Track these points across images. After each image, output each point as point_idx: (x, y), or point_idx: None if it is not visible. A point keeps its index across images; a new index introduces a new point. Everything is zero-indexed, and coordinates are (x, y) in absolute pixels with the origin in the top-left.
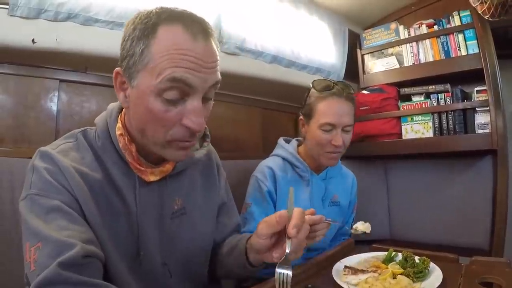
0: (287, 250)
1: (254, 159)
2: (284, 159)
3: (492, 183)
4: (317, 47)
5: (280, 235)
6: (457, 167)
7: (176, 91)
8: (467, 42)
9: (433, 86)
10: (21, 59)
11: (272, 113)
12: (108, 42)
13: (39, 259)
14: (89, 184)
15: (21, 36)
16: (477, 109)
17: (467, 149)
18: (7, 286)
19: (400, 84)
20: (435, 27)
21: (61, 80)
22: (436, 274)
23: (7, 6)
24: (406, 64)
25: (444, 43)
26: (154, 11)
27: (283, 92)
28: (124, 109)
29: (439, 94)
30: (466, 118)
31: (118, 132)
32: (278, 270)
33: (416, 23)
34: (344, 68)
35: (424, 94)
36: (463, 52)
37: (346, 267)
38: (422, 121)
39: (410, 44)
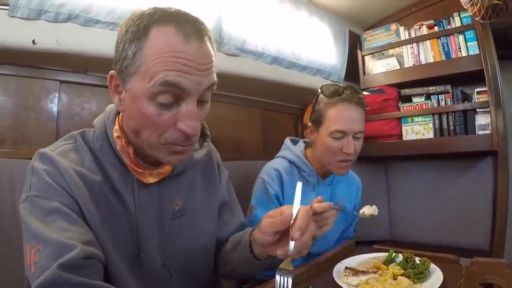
0: (289, 252)
1: (254, 160)
2: (290, 162)
3: (492, 184)
4: (318, 48)
5: (284, 233)
6: (457, 168)
7: (169, 95)
8: (468, 43)
9: (434, 87)
10: (21, 60)
11: (272, 114)
12: (108, 43)
13: (39, 261)
14: (89, 186)
15: (22, 37)
16: (477, 110)
17: (467, 150)
18: (7, 286)
19: (400, 85)
20: (436, 28)
21: (62, 81)
22: (436, 275)
23: (7, 7)
24: (406, 65)
25: (445, 44)
26: (146, 12)
27: (284, 93)
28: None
29: (439, 95)
30: (466, 119)
31: (115, 135)
32: (278, 276)
33: (417, 24)
34: (345, 69)
35: (424, 95)
36: (464, 53)
37: (346, 268)
38: (423, 122)
39: (411, 45)
